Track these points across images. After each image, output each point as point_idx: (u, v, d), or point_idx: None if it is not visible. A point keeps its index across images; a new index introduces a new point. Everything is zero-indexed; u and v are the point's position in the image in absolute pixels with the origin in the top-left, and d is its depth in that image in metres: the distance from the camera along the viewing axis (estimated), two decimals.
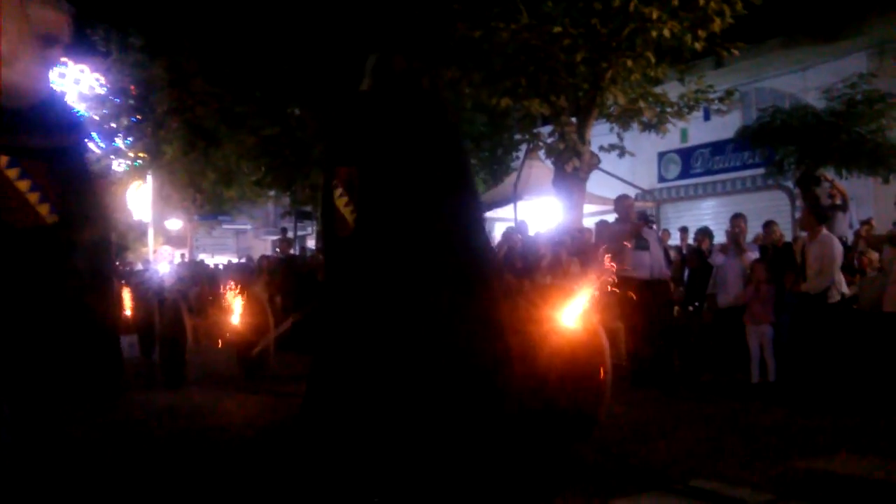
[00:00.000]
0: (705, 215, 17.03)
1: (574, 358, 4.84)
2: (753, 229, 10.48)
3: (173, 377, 8.56)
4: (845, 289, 8.08)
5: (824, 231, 8.07)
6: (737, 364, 8.28)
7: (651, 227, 9.13)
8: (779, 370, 7.97)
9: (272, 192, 23.50)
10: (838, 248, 8.04)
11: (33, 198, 2.37)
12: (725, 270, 8.64)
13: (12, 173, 2.33)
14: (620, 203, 9.08)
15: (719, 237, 10.22)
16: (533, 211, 15.36)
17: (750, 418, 6.30)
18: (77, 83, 30.31)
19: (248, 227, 28.32)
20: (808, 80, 15.36)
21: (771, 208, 15.33)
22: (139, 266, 19.81)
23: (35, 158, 2.40)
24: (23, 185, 2.36)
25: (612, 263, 4.92)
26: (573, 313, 4.81)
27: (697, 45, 11.73)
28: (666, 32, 11.27)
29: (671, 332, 8.64)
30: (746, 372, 8.12)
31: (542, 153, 15.07)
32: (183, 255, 13.83)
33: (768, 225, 9.45)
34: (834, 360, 7.44)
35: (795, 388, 7.44)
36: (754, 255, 8.92)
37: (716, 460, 4.74)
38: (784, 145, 12.36)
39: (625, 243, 7.98)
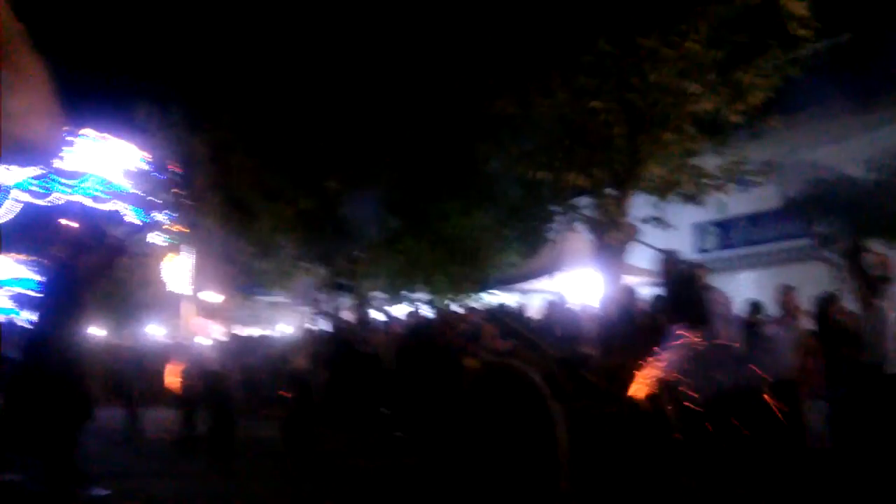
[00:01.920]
0: (744, 287, 16.85)
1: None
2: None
3: (221, 449, 8.54)
4: None
5: (878, 303, 8.00)
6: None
7: None
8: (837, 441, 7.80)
9: (307, 265, 23.70)
10: (892, 320, 7.97)
11: None
12: (777, 342, 8.54)
13: None
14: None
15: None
16: (572, 282, 15.33)
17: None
18: (118, 159, 31.17)
19: (282, 299, 28.47)
20: (844, 152, 15.33)
21: (812, 280, 15.15)
22: (179, 339, 19.89)
23: None
24: None
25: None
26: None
27: (735, 118, 11.84)
28: (706, 106, 11.40)
29: None
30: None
31: (578, 224, 15.09)
32: (230, 330, 13.92)
33: (831, 298, 9.23)
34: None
35: (852, 458, 7.26)
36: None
37: None
38: (829, 217, 12.28)
39: None
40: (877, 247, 11.48)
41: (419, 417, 10.54)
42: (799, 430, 7.98)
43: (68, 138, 30.35)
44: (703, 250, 19.00)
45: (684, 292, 7.57)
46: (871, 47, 14.66)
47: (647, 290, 11.92)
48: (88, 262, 7.48)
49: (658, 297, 9.89)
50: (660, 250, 8.60)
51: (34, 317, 7.76)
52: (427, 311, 13.64)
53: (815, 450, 7.84)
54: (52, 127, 2.15)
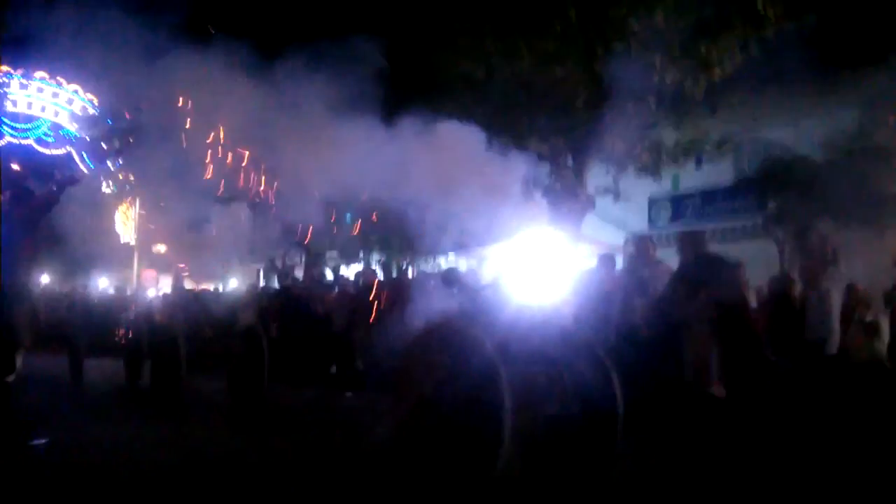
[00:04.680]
0: None
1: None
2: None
3: (166, 400, 8.43)
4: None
5: (824, 283, 8.10)
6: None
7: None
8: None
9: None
10: (836, 301, 8.08)
11: None
12: None
13: None
14: (642, 245, 9.14)
15: None
16: (526, 249, 15.32)
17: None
18: (70, 103, 30.32)
19: (234, 254, 28.14)
20: (801, 132, 15.52)
21: (760, 258, 15.37)
22: (127, 291, 19.62)
23: None
24: None
25: None
26: None
27: (697, 93, 11.89)
28: (667, 79, 11.43)
29: None
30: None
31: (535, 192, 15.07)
32: (178, 282, 13.75)
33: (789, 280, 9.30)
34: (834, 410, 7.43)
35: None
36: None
37: None
38: (783, 195, 12.46)
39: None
40: (827, 227, 11.69)
41: (368, 377, 10.56)
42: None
43: (23, 81, 29.62)
44: (655, 224, 19.17)
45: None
46: (835, 30, 14.78)
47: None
48: (28, 208, 7.28)
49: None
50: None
51: None
52: (378, 272, 13.56)
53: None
54: None
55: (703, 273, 7.37)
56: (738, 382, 7.42)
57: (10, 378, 7.05)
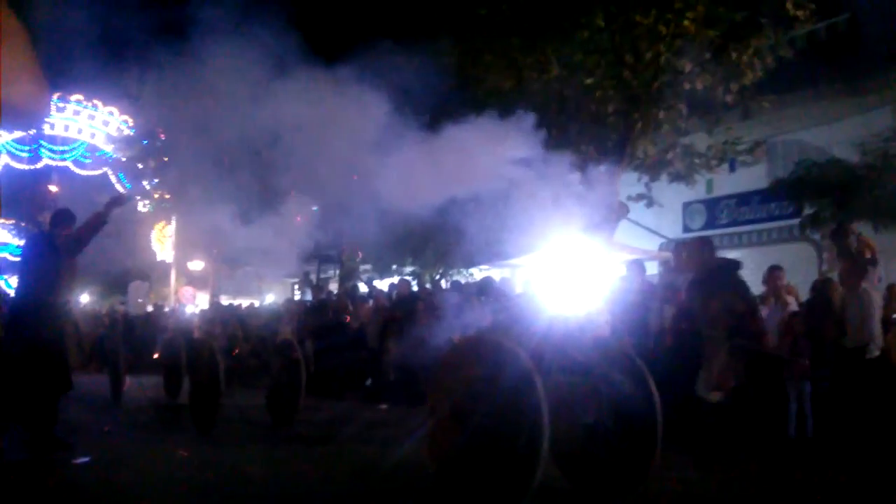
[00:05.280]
0: None
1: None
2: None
3: (204, 421, 8.47)
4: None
5: (863, 285, 7.99)
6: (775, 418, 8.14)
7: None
8: (817, 425, 7.85)
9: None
10: (877, 303, 7.97)
11: None
12: (766, 323, 8.50)
13: None
14: (676, 252, 9.12)
15: None
16: (558, 259, 15.29)
17: (784, 475, 6.22)
18: (106, 125, 30.85)
19: (269, 270, 28.33)
20: (834, 134, 15.33)
21: (797, 260, 15.20)
22: (166, 308, 19.87)
23: None
24: None
25: None
26: None
27: (729, 98, 11.81)
28: (698, 85, 11.36)
29: None
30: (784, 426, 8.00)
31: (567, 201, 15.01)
32: (216, 299, 13.92)
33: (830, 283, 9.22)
34: (873, 415, 7.32)
35: (834, 444, 7.33)
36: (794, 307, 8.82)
37: None
38: (819, 198, 12.29)
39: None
40: (863, 229, 11.51)
41: (403, 390, 10.58)
42: (782, 411, 8.03)
43: (59, 104, 30.12)
44: (690, 229, 19.01)
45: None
46: (866, 29, 14.63)
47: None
48: (71, 230, 7.38)
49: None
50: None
51: (17, 283, 7.70)
52: (413, 285, 13.60)
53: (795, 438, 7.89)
54: (36, 91, 2.05)
55: (713, 280, 7.30)
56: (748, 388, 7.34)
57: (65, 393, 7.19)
